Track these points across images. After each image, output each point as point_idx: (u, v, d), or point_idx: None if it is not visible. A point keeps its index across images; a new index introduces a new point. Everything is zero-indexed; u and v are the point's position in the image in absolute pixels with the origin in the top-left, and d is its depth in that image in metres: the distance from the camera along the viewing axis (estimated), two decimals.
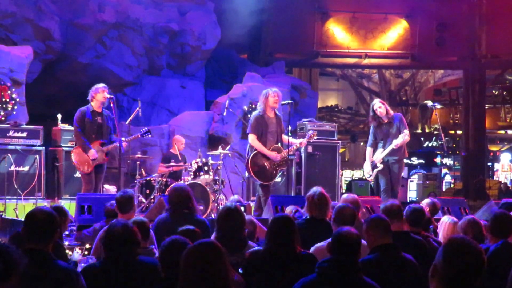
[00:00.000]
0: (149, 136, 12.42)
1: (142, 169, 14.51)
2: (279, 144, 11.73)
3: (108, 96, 11.76)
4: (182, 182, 13.42)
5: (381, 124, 12.48)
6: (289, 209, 9.06)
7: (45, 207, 5.18)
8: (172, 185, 11.93)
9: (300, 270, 5.54)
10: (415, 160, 28.01)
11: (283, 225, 5.73)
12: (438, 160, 27.17)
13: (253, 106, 17.27)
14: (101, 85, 11.84)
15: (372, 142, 12.69)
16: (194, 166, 13.89)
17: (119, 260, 5.19)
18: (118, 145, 11.95)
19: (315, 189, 7.48)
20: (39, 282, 4.59)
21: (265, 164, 11.49)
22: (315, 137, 12.54)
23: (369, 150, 12.74)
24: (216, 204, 13.65)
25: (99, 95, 11.66)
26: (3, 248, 3.49)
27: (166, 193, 10.44)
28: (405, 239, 6.55)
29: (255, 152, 11.50)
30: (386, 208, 6.92)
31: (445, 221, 8.07)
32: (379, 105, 12.43)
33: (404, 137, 12.18)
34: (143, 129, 12.29)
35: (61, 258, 5.11)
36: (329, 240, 5.37)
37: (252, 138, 11.52)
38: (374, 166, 12.52)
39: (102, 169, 11.89)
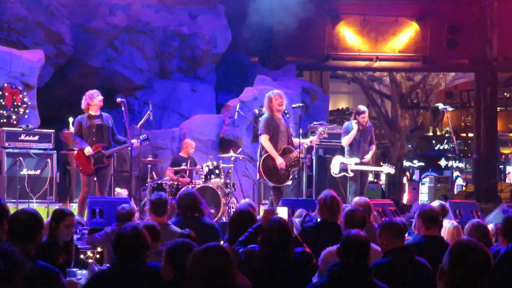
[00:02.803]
0: (147, 143, 12.57)
1: (153, 173, 14.53)
2: (291, 145, 11.74)
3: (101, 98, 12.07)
4: (191, 186, 13.46)
5: (359, 130, 13.19)
6: (298, 213, 9.06)
7: (30, 208, 5.16)
8: (182, 189, 11.94)
9: (297, 272, 5.56)
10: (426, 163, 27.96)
11: (274, 231, 5.70)
12: (443, 163, 27.13)
13: (264, 110, 17.27)
14: (94, 90, 12.13)
15: (348, 141, 13.27)
16: (205, 170, 13.89)
17: (128, 264, 5.18)
18: (129, 148, 12.10)
19: (327, 192, 7.50)
20: None
21: (277, 166, 11.48)
22: (325, 134, 12.56)
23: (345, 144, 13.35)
24: (227, 208, 13.65)
25: (95, 100, 11.98)
26: (6, 251, 3.49)
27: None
28: (439, 244, 6.57)
29: (266, 154, 11.48)
30: (425, 212, 6.90)
31: (446, 225, 8.10)
32: (366, 115, 13.32)
33: (372, 151, 13.40)
34: (143, 136, 12.40)
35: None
36: None
37: (264, 139, 11.52)
38: (344, 169, 13.15)
39: (105, 172, 11.98)
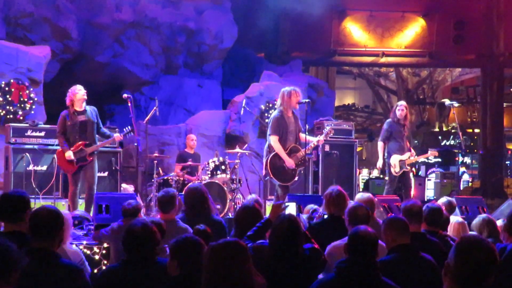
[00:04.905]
0: (132, 134, 12.42)
1: (159, 168, 14.53)
2: (297, 143, 11.69)
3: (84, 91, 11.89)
4: (198, 181, 13.43)
5: (399, 123, 13.50)
6: (307, 208, 9.04)
7: (50, 206, 5.18)
8: (188, 184, 11.93)
9: (306, 268, 5.56)
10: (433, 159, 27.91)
11: (284, 227, 5.70)
12: (459, 159, 27.11)
13: (270, 105, 17.27)
14: (76, 85, 11.94)
15: (385, 138, 13.61)
16: (211, 165, 13.90)
17: (139, 260, 5.18)
18: (136, 144, 12.15)
19: (333, 187, 7.52)
20: (43, 281, 4.62)
21: (284, 165, 11.43)
22: (332, 134, 12.56)
23: (382, 145, 13.65)
24: (233, 203, 13.65)
25: (78, 95, 11.77)
26: (1, 246, 3.50)
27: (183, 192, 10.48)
28: (421, 240, 6.53)
29: (274, 153, 11.41)
30: (406, 208, 6.89)
31: (452, 221, 8.12)
32: (402, 108, 13.55)
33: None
34: (126, 129, 12.29)
35: None
36: (346, 238, 5.37)
37: (274, 140, 11.39)
38: (403, 166, 13.48)
39: (89, 168, 11.87)
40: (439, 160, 26.30)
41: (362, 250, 4.89)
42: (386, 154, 13.57)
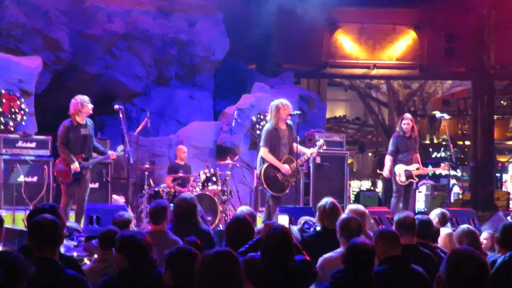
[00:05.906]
0: (122, 154, 12.51)
1: (150, 180, 14.51)
2: (291, 154, 11.66)
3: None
4: (188, 192, 13.42)
5: (404, 136, 13.71)
6: (300, 221, 9.03)
7: (49, 215, 5.16)
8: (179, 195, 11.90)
9: (297, 280, 5.56)
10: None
11: (275, 238, 5.70)
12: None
13: (262, 117, 17.27)
14: (85, 97, 11.88)
15: (391, 152, 13.83)
16: (203, 177, 13.89)
17: (140, 268, 5.14)
18: (127, 155, 12.20)
19: (327, 199, 7.50)
20: None
21: (278, 175, 11.41)
22: (325, 147, 12.53)
23: (389, 158, 13.83)
24: (224, 215, 13.65)
25: (86, 107, 11.77)
26: (7, 256, 3.50)
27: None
28: (413, 252, 6.54)
29: (267, 163, 11.40)
30: (399, 220, 6.90)
31: (442, 233, 8.15)
32: (407, 122, 13.72)
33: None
34: (120, 148, 12.37)
35: None
36: (338, 250, 5.35)
37: (264, 152, 11.38)
38: (410, 176, 13.65)
39: (84, 181, 11.93)
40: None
41: (360, 261, 4.91)
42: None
